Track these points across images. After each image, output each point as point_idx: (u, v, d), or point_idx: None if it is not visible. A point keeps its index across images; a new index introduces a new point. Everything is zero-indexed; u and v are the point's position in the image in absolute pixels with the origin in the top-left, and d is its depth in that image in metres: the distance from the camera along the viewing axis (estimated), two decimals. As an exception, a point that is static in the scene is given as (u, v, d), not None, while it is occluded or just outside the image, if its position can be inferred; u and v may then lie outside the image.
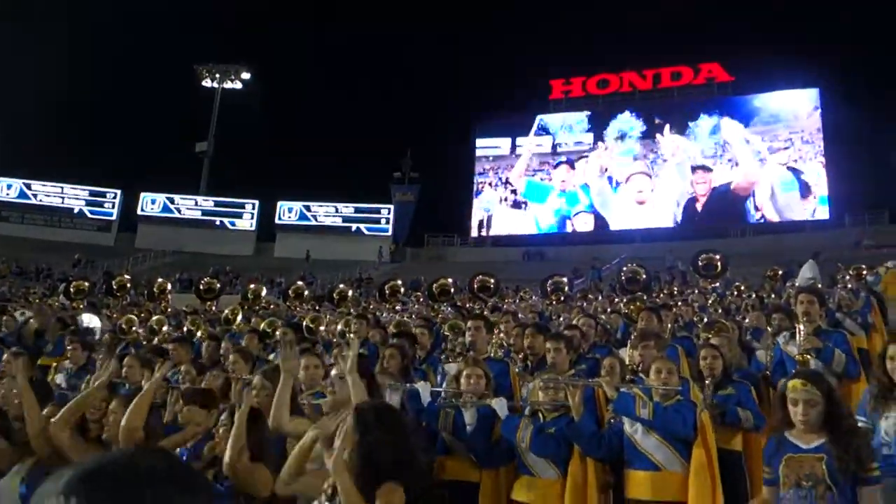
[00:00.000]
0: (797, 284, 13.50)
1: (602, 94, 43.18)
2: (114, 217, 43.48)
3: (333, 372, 4.07)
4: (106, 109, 49.46)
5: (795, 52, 42.19)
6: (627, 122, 42.11)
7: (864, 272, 13.42)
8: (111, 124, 51.83)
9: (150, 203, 44.20)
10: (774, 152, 38.82)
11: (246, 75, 48.25)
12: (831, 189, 37.41)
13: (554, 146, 43.32)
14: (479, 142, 45.13)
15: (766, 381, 5.81)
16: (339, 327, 8.45)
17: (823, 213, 37.29)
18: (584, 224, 41.87)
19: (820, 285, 12.11)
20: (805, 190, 37.85)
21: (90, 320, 11.72)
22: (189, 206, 44.67)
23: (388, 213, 44.35)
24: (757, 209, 38.62)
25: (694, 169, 40.14)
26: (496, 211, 43.80)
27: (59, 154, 44.01)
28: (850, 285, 11.29)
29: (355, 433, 2.84)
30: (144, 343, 9.10)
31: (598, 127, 42.70)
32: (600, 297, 14.92)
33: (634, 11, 47.96)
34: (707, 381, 5.15)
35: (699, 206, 39.66)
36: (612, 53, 44.32)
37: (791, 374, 3.79)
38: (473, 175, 44.62)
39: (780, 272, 15.47)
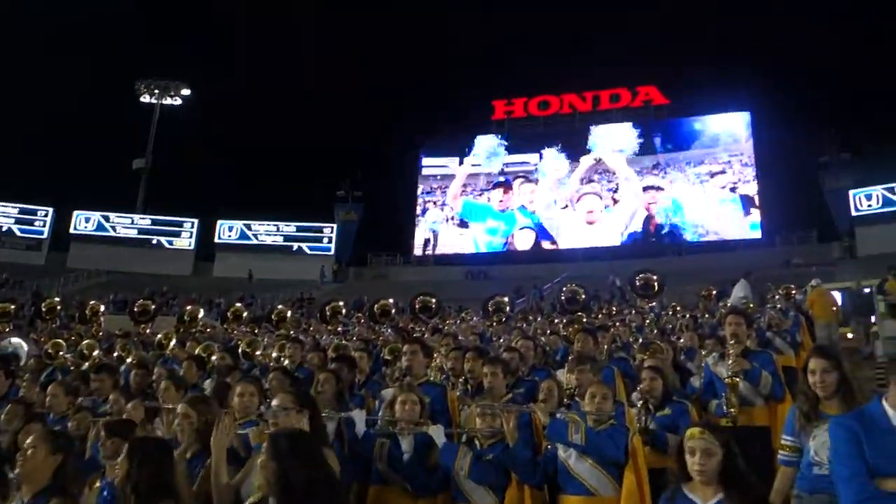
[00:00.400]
0: (730, 304, 13.87)
1: (543, 115, 43.89)
2: (45, 235, 42.05)
3: (275, 402, 3.98)
4: (38, 124, 47.91)
5: (728, 77, 43.80)
6: (569, 142, 42.77)
7: (794, 291, 13.84)
8: (43, 140, 50.23)
9: (84, 221, 42.91)
10: (714, 175, 39.97)
11: (186, 91, 47.50)
12: (763, 209, 38.72)
13: (503, 169, 43.77)
14: (425, 161, 45.31)
15: (696, 402, 5.91)
16: (275, 353, 8.29)
17: (756, 232, 38.49)
18: (526, 243, 42.24)
19: (752, 304, 12.47)
20: (745, 209, 39.03)
21: (16, 345, 11.26)
22: (125, 224, 43.53)
23: (331, 232, 44.01)
24: (695, 228, 39.58)
25: (645, 189, 41.03)
26: (442, 230, 43.89)
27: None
28: (779, 305, 11.62)
29: (271, 460, 2.90)
30: (73, 368, 8.78)
31: (540, 147, 43.30)
32: (540, 318, 15.03)
33: (576, 35, 49.03)
34: (644, 403, 5.20)
35: (639, 227, 40.48)
36: (552, 77, 45.12)
37: (690, 423, 3.75)
38: (417, 195, 44.70)
39: (714, 292, 15.84)
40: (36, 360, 9.08)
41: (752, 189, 39.21)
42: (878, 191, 34.78)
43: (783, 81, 44.44)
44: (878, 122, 39.58)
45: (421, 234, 44.03)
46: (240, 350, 9.51)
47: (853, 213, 35.20)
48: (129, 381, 7.13)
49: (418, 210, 44.54)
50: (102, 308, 14.78)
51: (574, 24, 51.99)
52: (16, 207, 41.84)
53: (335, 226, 44.13)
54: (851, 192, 35.42)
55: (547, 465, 4.33)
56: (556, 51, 53.59)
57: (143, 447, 3.51)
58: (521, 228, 42.56)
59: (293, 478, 2.82)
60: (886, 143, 34.46)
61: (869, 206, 34.93)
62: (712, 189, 39.85)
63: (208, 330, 14.71)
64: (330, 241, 43.85)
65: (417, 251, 43.73)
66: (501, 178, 43.53)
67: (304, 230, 44.11)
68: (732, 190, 39.49)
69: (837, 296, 16.05)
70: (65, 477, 3.53)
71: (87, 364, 8.81)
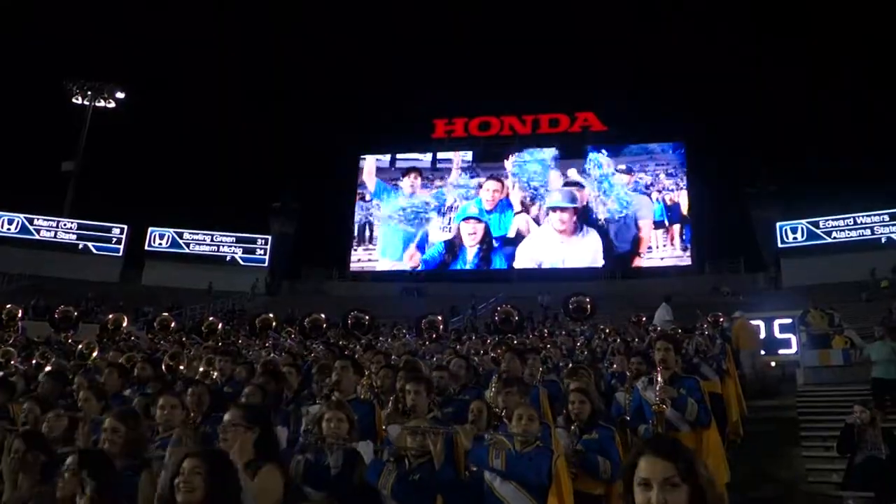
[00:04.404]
0: (657, 328, 14.20)
1: (483, 135, 44.33)
2: (-36, 237, 40.34)
3: (227, 417, 3.88)
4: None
5: (664, 107, 45.11)
6: (510, 163, 43.29)
7: (721, 319, 14.25)
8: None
9: (7, 223, 41.27)
10: (648, 190, 41.06)
11: (120, 94, 46.35)
12: (694, 237, 39.83)
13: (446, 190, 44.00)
14: (364, 175, 45.13)
15: (623, 424, 6.01)
16: (202, 367, 8.10)
17: (686, 259, 39.54)
18: (473, 236, 42.44)
19: (679, 330, 12.79)
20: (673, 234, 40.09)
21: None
22: (50, 227, 42.04)
23: (266, 244, 43.41)
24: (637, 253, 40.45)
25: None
26: (378, 244, 43.68)
27: None
28: (707, 331, 11.93)
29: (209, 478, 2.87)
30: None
31: (478, 168, 43.74)
32: (474, 337, 15.08)
33: (516, 61, 49.78)
34: (573, 427, 5.25)
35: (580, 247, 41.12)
36: (494, 99, 45.68)
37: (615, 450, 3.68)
38: (355, 208, 44.47)
39: (644, 318, 16.20)
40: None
41: (682, 215, 40.34)
42: (803, 224, 36.26)
43: (717, 113, 46.07)
44: (807, 157, 41.48)
45: (357, 249, 43.73)
46: (163, 363, 9.26)
47: (779, 244, 36.57)
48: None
49: (356, 218, 44.28)
50: (20, 313, 14.23)
51: (512, 50, 52.77)
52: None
53: (270, 237, 43.56)
54: (778, 224, 36.85)
55: (473, 487, 4.32)
56: (498, 74, 54.34)
57: (96, 460, 3.38)
58: (465, 219, 42.71)
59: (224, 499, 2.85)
60: (813, 180, 36.11)
61: (794, 238, 36.36)
62: (647, 204, 40.84)
63: (132, 339, 14.31)
64: (264, 253, 43.24)
65: (354, 266, 43.42)
66: (437, 202, 43.73)
67: (238, 241, 43.38)
68: (664, 215, 40.56)
69: (762, 325, 16.59)
70: None
71: (2, 372, 8.44)
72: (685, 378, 6.24)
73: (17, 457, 4.08)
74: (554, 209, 41.71)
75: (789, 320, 16.81)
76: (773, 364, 16.36)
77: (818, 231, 35.96)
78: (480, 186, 43.28)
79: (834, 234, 35.73)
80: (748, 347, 14.52)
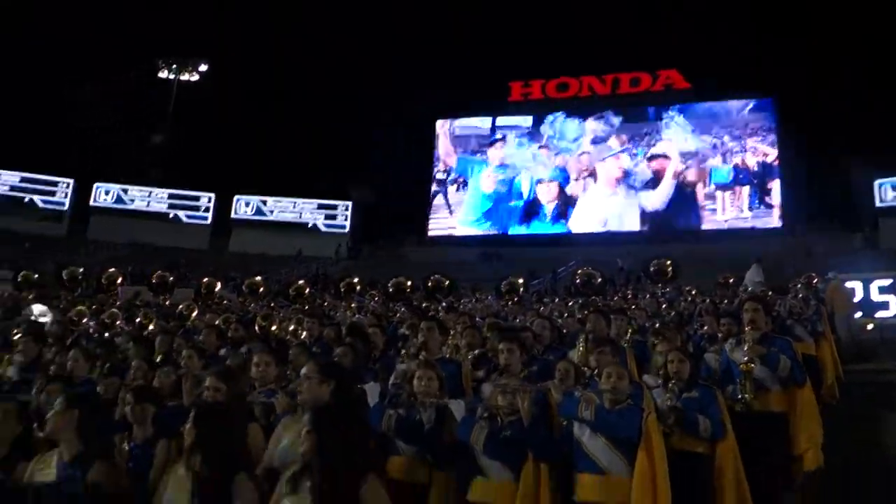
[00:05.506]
0: (746, 288, 13.82)
1: (561, 97, 43.53)
2: (65, 207, 42.50)
3: (303, 372, 4.06)
4: (60, 98, 48.11)
5: (753, 61, 43.05)
6: (590, 124, 42.53)
7: (815, 280, 13.77)
8: (65, 112, 50.46)
9: (104, 194, 43.34)
10: (734, 154, 39.65)
11: (203, 67, 47.61)
12: (785, 197, 38.26)
13: (539, 140, 43.62)
14: (441, 140, 45.16)
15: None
16: (292, 326, 8.38)
17: (777, 220, 38.12)
18: (541, 226, 42.13)
19: (770, 293, 12.42)
20: (760, 195, 38.72)
21: (40, 311, 11.46)
22: (143, 197, 43.87)
23: (346, 210, 44.16)
24: (713, 213, 39.31)
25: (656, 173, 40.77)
26: (457, 210, 43.82)
27: (11, 143, 42.69)
28: (801, 293, 11.56)
29: (312, 432, 2.99)
30: (95, 336, 8.93)
31: (557, 129, 43.08)
32: (556, 300, 15.04)
33: (594, 18, 48.38)
34: (671, 385, 5.17)
35: (660, 209, 40.25)
36: (571, 58, 44.63)
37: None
38: (432, 173, 44.64)
39: (731, 279, 15.76)
40: (60, 327, 9.21)
41: (773, 174, 38.85)
42: (904, 182, 34.34)
43: (810, 66, 43.66)
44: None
45: (436, 213, 43.95)
46: (255, 324, 9.62)
47: (877, 203, 34.79)
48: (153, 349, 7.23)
49: (434, 184, 44.43)
50: (120, 279, 14.98)
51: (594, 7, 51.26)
52: (38, 179, 42.24)
53: (350, 203, 44.27)
54: (877, 183, 34.99)
55: (563, 443, 4.37)
56: (575, 33, 53.06)
57: (212, 414, 3.54)
58: (539, 182, 42.38)
59: (333, 448, 2.95)
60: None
61: (894, 196, 34.50)
62: (730, 172, 39.54)
63: (224, 303, 14.89)
64: (345, 219, 44.01)
65: (432, 231, 43.71)
66: (518, 161, 43.40)
67: (320, 207, 44.26)
68: (754, 175, 39.16)
69: (858, 286, 15.93)
70: (89, 432, 3.55)
71: (108, 333, 8.95)
72: (776, 338, 6.10)
73: (130, 408, 4.37)
74: (626, 172, 41.01)
75: (888, 281, 16.07)
76: (869, 327, 15.70)
77: (918, 189, 34.07)
78: (555, 150, 42.74)
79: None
80: (842, 311, 13.95)
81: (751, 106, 40.52)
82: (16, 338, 7.58)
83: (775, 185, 38.63)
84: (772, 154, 39.11)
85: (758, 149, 39.48)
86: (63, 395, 3.85)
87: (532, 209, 42.19)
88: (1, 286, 16.36)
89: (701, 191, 39.71)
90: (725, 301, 11.81)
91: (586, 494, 4.23)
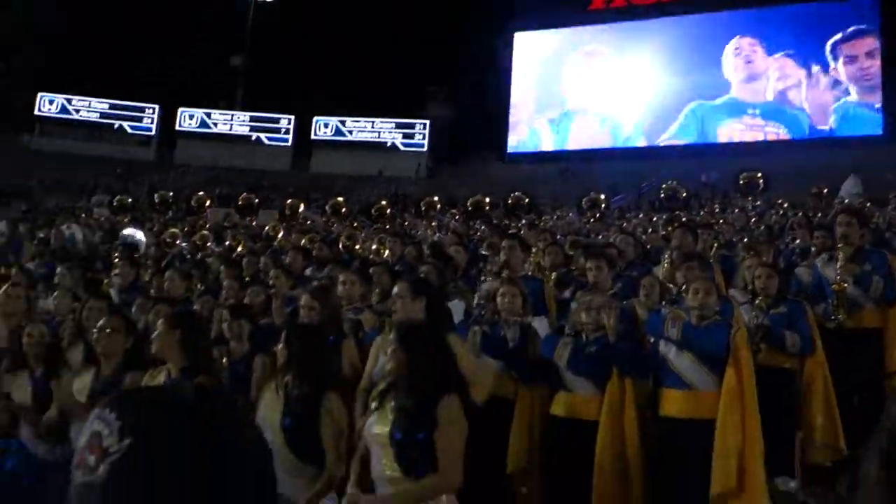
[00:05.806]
0: (843, 199, 13.16)
1: (646, 3, 41.38)
2: (153, 132, 43.81)
3: (395, 290, 4.09)
4: (140, 22, 48.92)
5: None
6: (676, 33, 40.50)
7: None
8: (145, 37, 51.40)
9: (188, 118, 44.36)
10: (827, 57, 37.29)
11: (279, -13, 47.35)
12: (886, 101, 35.71)
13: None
14: (517, 53, 43.98)
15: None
16: (374, 245, 8.49)
17: (876, 127, 35.80)
18: (624, 139, 40.93)
19: (861, 200, 11.81)
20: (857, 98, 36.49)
21: (134, 234, 11.98)
22: (226, 121, 44.72)
23: (424, 129, 43.93)
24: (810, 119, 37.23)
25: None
26: (537, 125, 42.95)
27: (97, 69, 43.89)
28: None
29: (401, 351, 3.01)
30: (188, 257, 9.31)
31: (642, 40, 41.19)
32: (642, 215, 14.75)
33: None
34: (758, 301, 5.04)
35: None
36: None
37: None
38: (510, 89, 43.68)
39: (825, 190, 15.04)
40: (155, 249, 9.64)
41: (869, 74, 36.33)
42: None
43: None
44: None
45: (515, 129, 43.20)
46: (339, 243, 9.81)
47: None
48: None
49: (513, 100, 43.38)
50: (209, 202, 15.46)
51: None
52: (125, 105, 43.54)
53: (428, 121, 43.98)
54: None
55: (648, 359, 4.35)
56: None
57: (304, 334, 3.64)
58: (623, 124, 41.10)
59: (420, 365, 2.97)
60: None
61: None
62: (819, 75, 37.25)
63: (308, 223, 15.22)
64: (423, 138, 43.84)
65: (511, 148, 43.10)
66: (604, 71, 41.91)
67: (398, 126, 44.18)
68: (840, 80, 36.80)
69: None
70: (192, 349, 3.67)
71: (200, 254, 9.30)
72: (872, 252, 5.80)
73: (227, 325, 4.56)
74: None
75: None
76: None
77: None
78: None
79: None
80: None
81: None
82: (115, 261, 7.96)
83: (877, 88, 36.06)
84: (875, 53, 36.31)
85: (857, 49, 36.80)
86: (164, 315, 4.03)
87: (608, 129, 40.99)
88: (98, 210, 17.18)
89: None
90: (819, 214, 11.31)
91: (672, 409, 4.22)
